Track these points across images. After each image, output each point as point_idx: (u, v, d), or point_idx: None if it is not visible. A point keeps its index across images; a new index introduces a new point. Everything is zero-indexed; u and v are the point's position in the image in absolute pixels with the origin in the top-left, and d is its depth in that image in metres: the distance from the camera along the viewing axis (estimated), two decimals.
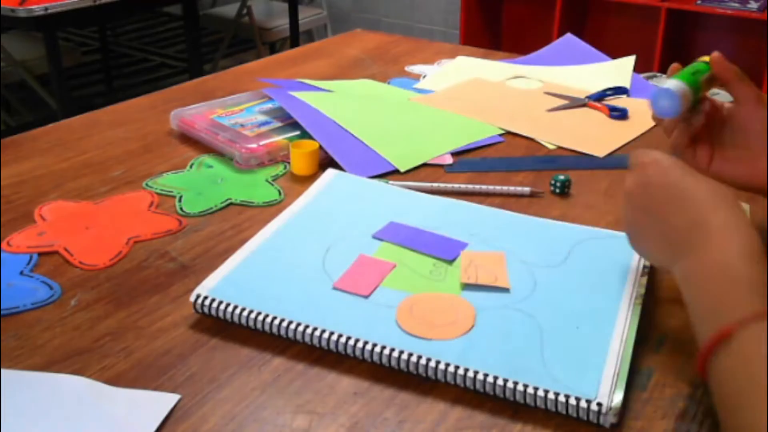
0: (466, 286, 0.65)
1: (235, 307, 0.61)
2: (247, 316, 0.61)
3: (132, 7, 2.69)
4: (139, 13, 3.88)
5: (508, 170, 0.90)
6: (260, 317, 0.60)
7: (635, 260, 0.68)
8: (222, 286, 0.64)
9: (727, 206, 0.55)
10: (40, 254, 0.71)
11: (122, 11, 2.59)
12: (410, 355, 0.56)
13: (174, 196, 0.82)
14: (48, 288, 0.66)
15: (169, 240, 0.74)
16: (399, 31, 3.66)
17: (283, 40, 3.54)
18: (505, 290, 0.64)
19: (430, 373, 0.56)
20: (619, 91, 1.12)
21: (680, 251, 0.56)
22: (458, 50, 1.35)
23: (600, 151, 0.95)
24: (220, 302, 0.62)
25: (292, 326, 0.59)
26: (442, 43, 1.42)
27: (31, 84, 2.80)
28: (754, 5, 2.76)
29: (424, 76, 1.22)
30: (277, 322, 0.60)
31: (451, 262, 0.68)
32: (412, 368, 0.56)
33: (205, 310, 0.62)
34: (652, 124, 1.03)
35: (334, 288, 0.64)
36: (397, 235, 0.72)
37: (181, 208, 0.80)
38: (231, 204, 0.81)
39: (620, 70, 1.21)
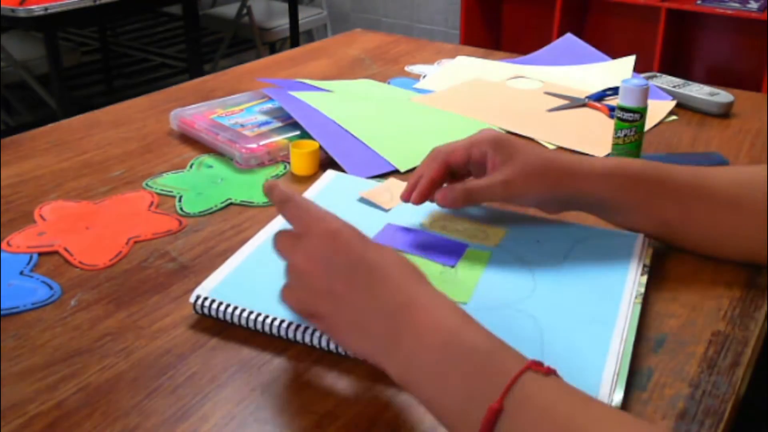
0: (475, 287, 0.65)
1: (235, 308, 0.61)
2: (247, 317, 0.61)
3: (132, 7, 2.69)
4: (139, 13, 3.88)
5: None
6: (260, 318, 0.60)
7: (635, 259, 0.68)
8: (222, 287, 0.64)
9: (422, 281, 0.52)
10: (40, 254, 0.71)
11: (122, 11, 2.59)
12: None
13: (174, 196, 0.82)
14: (48, 288, 0.66)
15: (169, 240, 0.74)
16: (399, 31, 3.66)
17: (283, 40, 3.54)
18: (506, 290, 0.64)
19: None
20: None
21: (392, 340, 0.49)
22: (458, 50, 1.35)
23: (600, 151, 0.95)
24: (220, 303, 0.62)
25: (292, 327, 0.59)
26: (442, 43, 1.42)
27: (31, 84, 2.80)
28: (754, 5, 2.76)
29: (424, 76, 1.22)
30: (276, 323, 0.60)
31: (454, 266, 0.68)
32: None
33: (205, 311, 0.62)
34: (652, 124, 1.03)
35: None
36: (395, 239, 0.72)
37: (181, 208, 0.80)
38: (231, 204, 0.81)
39: (620, 70, 1.21)
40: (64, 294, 0.66)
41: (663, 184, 0.69)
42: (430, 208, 0.77)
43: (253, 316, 0.60)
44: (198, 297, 0.63)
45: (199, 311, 0.62)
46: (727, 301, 0.66)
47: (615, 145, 0.88)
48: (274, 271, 0.66)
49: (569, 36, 1.35)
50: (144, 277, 0.68)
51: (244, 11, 3.43)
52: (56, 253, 0.71)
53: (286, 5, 3.31)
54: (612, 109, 1.06)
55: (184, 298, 0.65)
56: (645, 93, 0.85)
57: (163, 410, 0.53)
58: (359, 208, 0.78)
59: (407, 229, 0.73)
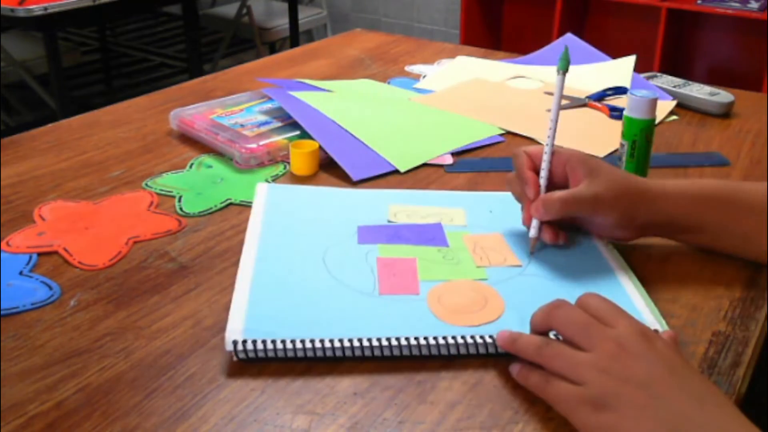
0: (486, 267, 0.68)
1: (274, 342, 0.57)
2: (293, 347, 0.57)
3: (131, 7, 2.69)
4: (139, 12, 3.88)
5: (508, 170, 0.89)
6: (307, 344, 0.57)
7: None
8: (251, 325, 0.59)
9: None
10: (39, 254, 0.71)
11: (122, 11, 2.59)
12: (473, 337, 0.58)
13: (174, 196, 0.82)
14: (47, 288, 0.66)
15: (168, 240, 0.74)
16: (399, 31, 3.66)
17: (282, 40, 3.53)
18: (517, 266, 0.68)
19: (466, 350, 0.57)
20: (620, 90, 1.12)
21: None
22: (458, 50, 1.35)
23: (600, 151, 0.95)
24: (256, 341, 0.57)
25: (336, 343, 0.57)
26: (442, 43, 1.42)
27: (30, 84, 2.80)
28: (754, 5, 2.76)
29: (424, 76, 1.22)
30: (319, 344, 0.57)
31: (447, 246, 0.71)
32: (452, 350, 0.57)
33: (250, 354, 0.57)
34: None
35: (381, 295, 0.63)
36: (377, 237, 0.72)
37: (181, 208, 0.80)
38: (231, 204, 0.81)
39: (620, 70, 1.20)
40: (63, 294, 0.66)
41: (740, 202, 0.69)
42: (390, 201, 0.79)
43: (298, 345, 0.57)
44: (236, 342, 0.57)
45: (243, 356, 0.57)
46: (727, 302, 0.66)
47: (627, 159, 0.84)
48: (290, 293, 0.63)
49: (569, 36, 1.35)
50: (143, 277, 0.68)
51: (244, 11, 3.43)
52: (56, 253, 0.71)
53: (286, 5, 3.31)
54: (612, 109, 1.05)
55: (183, 299, 0.65)
56: (653, 104, 0.82)
57: (162, 410, 0.53)
58: (321, 211, 0.76)
59: (380, 227, 0.74)
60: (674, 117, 1.06)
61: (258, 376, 0.56)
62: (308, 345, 0.57)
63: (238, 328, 0.58)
